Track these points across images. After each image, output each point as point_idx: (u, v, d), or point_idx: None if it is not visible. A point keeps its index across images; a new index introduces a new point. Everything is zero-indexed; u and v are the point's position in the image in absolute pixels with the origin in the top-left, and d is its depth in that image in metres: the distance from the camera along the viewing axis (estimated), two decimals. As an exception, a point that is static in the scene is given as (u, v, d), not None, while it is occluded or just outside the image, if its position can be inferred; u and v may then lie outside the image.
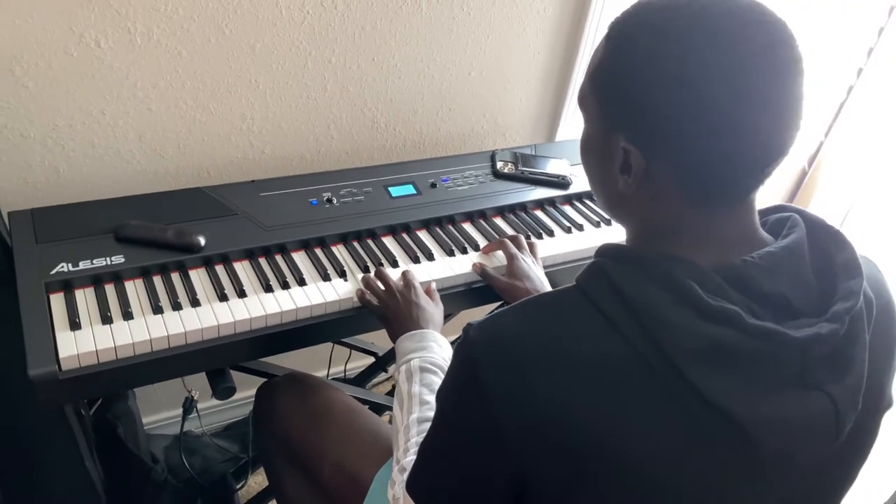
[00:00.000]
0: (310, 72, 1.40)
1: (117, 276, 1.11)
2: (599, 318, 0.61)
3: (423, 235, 1.33)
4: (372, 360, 1.78)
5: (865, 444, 0.72)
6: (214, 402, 1.81)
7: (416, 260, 1.26)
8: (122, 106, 1.27)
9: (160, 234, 1.16)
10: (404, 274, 1.16)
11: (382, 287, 1.14)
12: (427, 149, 1.65)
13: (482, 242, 1.33)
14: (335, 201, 1.33)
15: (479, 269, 1.23)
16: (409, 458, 0.86)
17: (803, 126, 0.61)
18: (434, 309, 1.11)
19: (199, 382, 1.24)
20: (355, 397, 1.26)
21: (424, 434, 0.86)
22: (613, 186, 0.67)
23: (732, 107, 0.57)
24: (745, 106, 0.57)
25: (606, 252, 0.65)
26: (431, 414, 0.89)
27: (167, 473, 1.47)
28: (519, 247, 1.26)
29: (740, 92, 0.57)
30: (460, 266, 1.26)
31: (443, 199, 1.40)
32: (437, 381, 0.95)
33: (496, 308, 1.65)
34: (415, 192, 1.40)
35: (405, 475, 0.83)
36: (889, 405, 0.72)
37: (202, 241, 1.17)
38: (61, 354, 0.96)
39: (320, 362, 1.79)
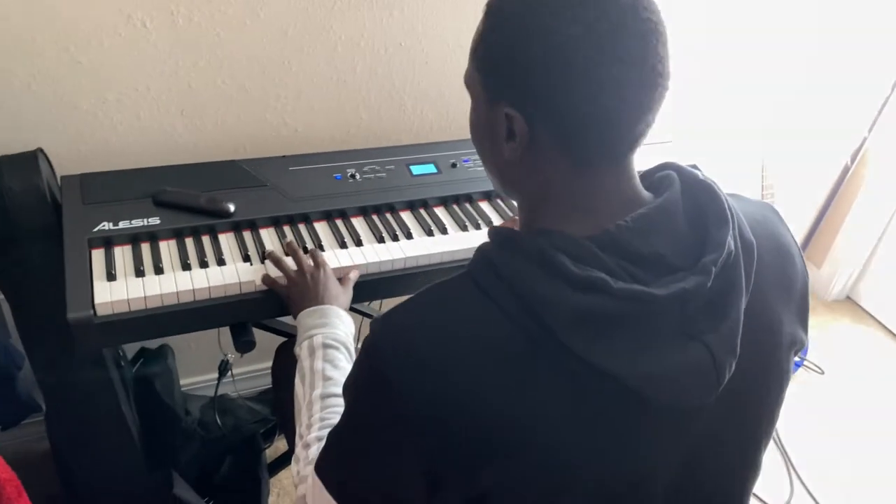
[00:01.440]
0: (340, 55, 1.49)
1: (153, 236, 1.21)
2: (488, 303, 0.63)
3: (439, 211, 1.40)
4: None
5: (769, 382, 0.74)
6: (249, 367, 1.92)
7: (429, 233, 1.33)
8: (166, 82, 1.38)
9: (194, 199, 1.26)
10: (313, 253, 1.19)
11: (293, 266, 1.16)
12: (453, 132, 1.72)
13: (496, 220, 1.39)
14: (358, 177, 1.41)
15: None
16: (313, 434, 0.88)
17: (671, 88, 0.65)
18: (341, 292, 1.13)
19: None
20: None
21: (328, 409, 0.91)
22: (501, 158, 0.69)
23: (599, 62, 0.60)
24: (610, 61, 0.60)
25: (491, 236, 0.68)
26: (335, 390, 0.93)
27: (197, 425, 1.58)
28: None
29: (605, 47, 0.60)
30: (473, 241, 1.32)
31: (462, 179, 1.46)
32: (340, 356, 0.98)
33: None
34: (435, 171, 1.47)
35: (309, 451, 0.87)
36: (795, 343, 0.74)
37: (232, 207, 1.26)
38: (97, 301, 1.07)
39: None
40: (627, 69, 0.61)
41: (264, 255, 1.20)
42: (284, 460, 1.71)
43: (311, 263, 1.16)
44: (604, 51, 0.60)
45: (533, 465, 0.63)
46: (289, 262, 1.17)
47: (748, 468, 0.79)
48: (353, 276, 1.20)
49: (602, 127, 0.63)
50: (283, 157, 1.42)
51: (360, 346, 0.69)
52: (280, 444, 1.83)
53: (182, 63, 1.37)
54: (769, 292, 0.70)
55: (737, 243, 0.66)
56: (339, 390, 0.92)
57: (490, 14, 0.67)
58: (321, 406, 0.92)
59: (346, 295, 1.15)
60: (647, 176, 0.72)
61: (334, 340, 1.00)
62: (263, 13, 1.37)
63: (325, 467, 0.75)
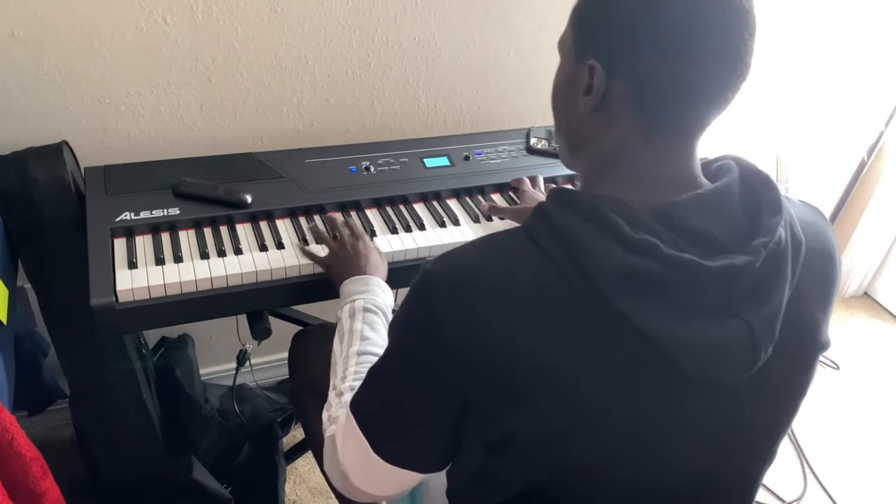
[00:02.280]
0: (355, 49, 1.51)
1: (172, 226, 1.25)
2: (537, 252, 0.66)
3: (452, 203, 1.42)
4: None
5: (796, 382, 0.76)
6: (267, 357, 1.96)
7: (442, 224, 1.35)
8: (185, 77, 1.42)
9: (212, 190, 1.30)
10: (351, 226, 1.23)
11: (332, 238, 1.21)
12: (466, 125, 1.74)
13: (507, 212, 1.41)
14: (372, 169, 1.43)
15: (487, 208, 1.35)
16: (347, 384, 0.92)
17: (748, 80, 0.68)
18: (381, 262, 1.17)
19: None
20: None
21: (363, 364, 0.94)
22: (575, 112, 0.73)
23: (690, 31, 0.63)
24: (702, 34, 0.64)
25: (551, 196, 0.71)
26: (371, 348, 0.97)
27: (215, 412, 1.62)
28: (534, 183, 1.40)
29: (699, 18, 0.63)
30: (484, 231, 1.34)
31: (475, 171, 1.49)
32: (379, 321, 1.01)
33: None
34: (449, 163, 1.50)
35: (342, 399, 0.90)
36: (824, 347, 0.76)
37: (249, 198, 1.29)
38: (118, 287, 1.10)
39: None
40: (716, 47, 0.64)
41: (279, 245, 1.23)
42: (301, 448, 1.75)
43: (352, 235, 1.20)
44: (696, 22, 0.64)
45: (561, 409, 0.65)
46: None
47: (766, 455, 0.80)
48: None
49: (678, 96, 0.67)
50: (300, 149, 1.45)
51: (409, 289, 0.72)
52: (297, 433, 1.86)
53: (201, 57, 1.41)
54: (810, 293, 0.72)
55: (787, 235, 0.67)
56: (376, 350, 0.97)
57: None
58: (357, 361, 0.95)
59: (384, 266, 1.19)
60: (706, 165, 0.74)
61: (374, 306, 1.04)
62: (280, 8, 1.40)
63: (359, 402, 0.78)
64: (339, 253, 1.17)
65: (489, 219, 1.38)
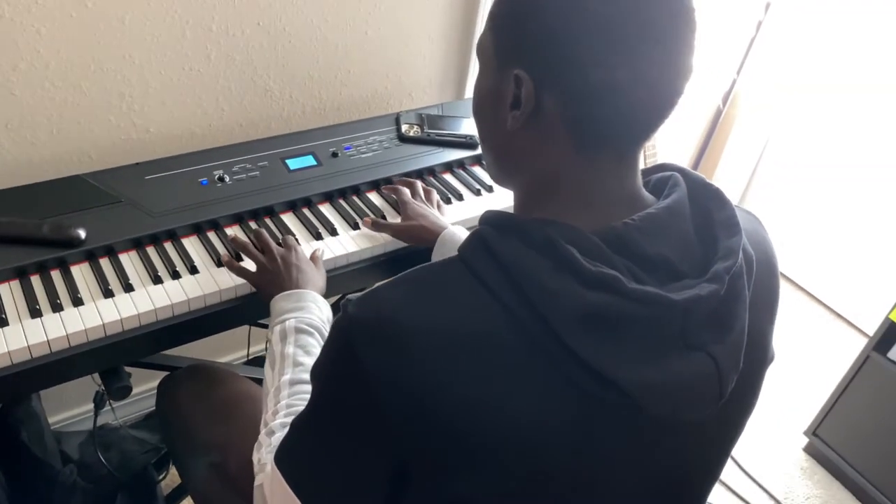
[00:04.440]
0: (189, 42, 1.31)
1: (-12, 280, 1.03)
2: (482, 290, 0.58)
3: (325, 209, 1.28)
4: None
5: (750, 400, 0.73)
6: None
7: (318, 236, 1.21)
8: (-21, 92, 1.16)
9: (35, 229, 1.08)
10: (286, 238, 1.11)
11: (261, 250, 1.09)
12: (329, 115, 1.58)
13: (389, 212, 1.28)
14: (227, 179, 1.26)
15: (371, 223, 1.21)
16: (278, 421, 0.84)
17: (692, 78, 0.61)
18: (316, 273, 1.07)
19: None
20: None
21: (296, 396, 0.86)
22: (502, 128, 0.65)
23: (626, 36, 0.57)
24: (639, 38, 0.57)
25: (488, 220, 0.63)
26: (304, 376, 0.88)
27: (76, 476, 1.41)
28: (414, 193, 1.26)
29: (636, 22, 0.56)
30: (365, 240, 1.21)
31: (345, 169, 1.34)
32: (313, 342, 0.93)
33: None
34: (315, 163, 1.34)
35: (273, 438, 0.82)
36: (771, 359, 0.73)
37: (83, 233, 1.09)
38: (-77, 373, 0.89)
39: (238, 343, 1.74)
40: (658, 52, 0.57)
41: (126, 287, 1.05)
42: (182, 492, 1.57)
43: (283, 247, 1.08)
44: (634, 26, 0.56)
45: (513, 467, 0.59)
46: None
47: (719, 471, 0.78)
48: (319, 253, 1.12)
49: (613, 104, 0.59)
50: (137, 164, 1.25)
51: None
52: (176, 473, 1.68)
53: (-2, 68, 1.16)
54: (759, 307, 0.67)
55: (742, 254, 0.62)
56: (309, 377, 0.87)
57: None
58: (289, 392, 0.87)
59: (321, 277, 1.07)
60: (644, 174, 0.67)
61: (308, 325, 0.93)
62: (92, 2, 1.17)
63: (285, 457, 0.69)
64: (269, 266, 1.04)
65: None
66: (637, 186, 0.65)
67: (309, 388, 0.86)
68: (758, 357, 0.70)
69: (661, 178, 0.67)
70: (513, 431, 0.57)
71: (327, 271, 1.15)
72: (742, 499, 1.86)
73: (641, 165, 0.67)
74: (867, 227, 2.35)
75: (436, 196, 1.28)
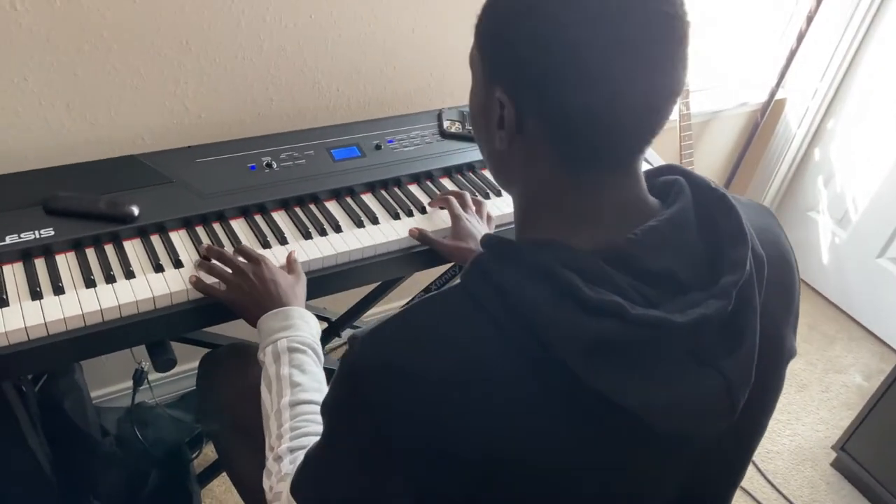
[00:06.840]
0: (244, 31, 1.35)
1: (47, 250, 1.07)
2: (486, 322, 0.58)
3: (367, 199, 1.31)
4: (325, 325, 1.76)
5: (772, 399, 0.72)
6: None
7: (359, 224, 1.24)
8: (46, 72, 1.21)
9: (92, 204, 1.12)
10: (244, 251, 1.09)
11: (228, 269, 1.06)
12: (372, 109, 1.61)
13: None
14: (275, 166, 1.29)
15: (418, 234, 1.21)
16: (284, 446, 0.83)
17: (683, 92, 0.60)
18: (294, 281, 1.06)
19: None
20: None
21: (299, 418, 0.85)
22: (493, 145, 0.64)
23: (605, 59, 0.54)
24: (618, 59, 0.54)
25: (488, 244, 0.62)
26: (304, 395, 0.88)
27: (116, 447, 1.45)
28: (464, 205, 1.24)
29: (612, 43, 0.54)
30: (405, 231, 1.24)
31: (388, 161, 1.37)
32: (307, 360, 0.93)
33: (446, 271, 1.64)
34: (359, 154, 1.37)
35: (281, 465, 0.81)
36: (791, 355, 0.72)
37: (136, 210, 1.13)
38: (-13, 334, 0.93)
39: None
40: (632, 68, 0.55)
41: (176, 263, 1.09)
42: (215, 469, 1.61)
43: (250, 261, 1.06)
44: (606, 45, 0.53)
45: (532, 493, 0.59)
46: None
47: (742, 475, 0.77)
48: (294, 256, 1.11)
49: (595, 125, 0.57)
50: (189, 147, 1.29)
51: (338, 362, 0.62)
52: (209, 451, 1.72)
53: (64, 49, 1.20)
54: (774, 308, 0.66)
55: (751, 261, 0.61)
56: (309, 396, 0.88)
57: None
58: (291, 415, 0.86)
59: (300, 285, 1.06)
60: (650, 177, 0.66)
61: (300, 343, 0.93)
62: (154, -12, 1.22)
63: (303, 488, 0.70)
64: (243, 285, 1.03)
65: (410, 214, 1.27)
66: (640, 194, 0.63)
67: (309, 407, 0.87)
68: (775, 358, 0.69)
69: (666, 181, 0.66)
70: (524, 457, 0.57)
71: (370, 258, 1.18)
72: (767, 510, 1.86)
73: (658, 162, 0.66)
74: (904, 244, 2.33)
75: (486, 208, 1.28)
